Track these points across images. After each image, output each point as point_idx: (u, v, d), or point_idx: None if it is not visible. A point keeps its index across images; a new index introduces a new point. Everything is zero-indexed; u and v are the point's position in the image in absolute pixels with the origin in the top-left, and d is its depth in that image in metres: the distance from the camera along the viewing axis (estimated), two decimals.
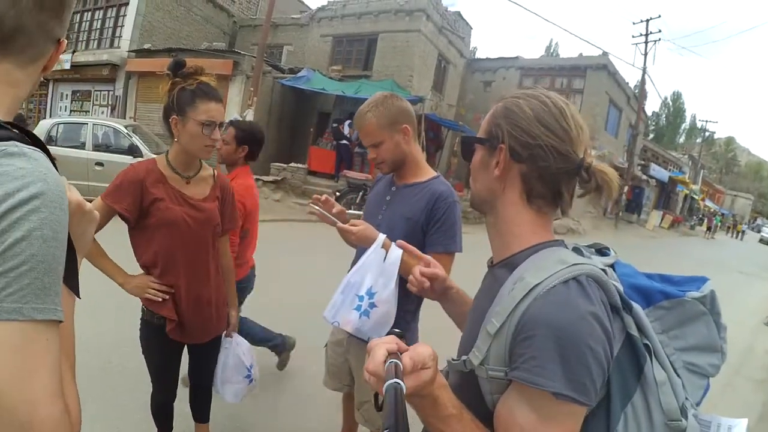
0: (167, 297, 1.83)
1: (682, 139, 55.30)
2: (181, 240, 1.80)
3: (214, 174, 1.99)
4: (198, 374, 2.19)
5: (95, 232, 1.78)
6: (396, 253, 1.67)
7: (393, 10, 15.57)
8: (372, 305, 1.66)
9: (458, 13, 18.46)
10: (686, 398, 0.76)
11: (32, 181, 0.62)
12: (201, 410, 2.32)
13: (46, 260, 0.62)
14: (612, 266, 0.87)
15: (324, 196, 1.81)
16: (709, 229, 30.67)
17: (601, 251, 0.93)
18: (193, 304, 1.89)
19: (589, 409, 0.72)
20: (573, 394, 0.66)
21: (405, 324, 1.79)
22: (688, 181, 32.20)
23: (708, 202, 40.14)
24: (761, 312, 8.09)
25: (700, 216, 35.06)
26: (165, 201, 1.77)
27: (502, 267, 0.86)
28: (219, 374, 2.19)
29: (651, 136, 48.36)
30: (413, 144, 1.83)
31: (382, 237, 1.68)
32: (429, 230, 1.76)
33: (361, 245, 1.75)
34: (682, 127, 56.14)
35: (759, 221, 56.93)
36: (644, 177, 25.19)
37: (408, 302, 1.75)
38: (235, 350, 2.18)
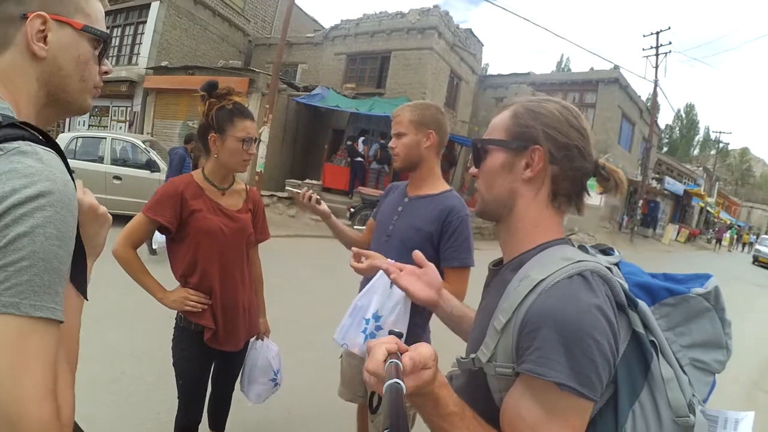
0: (206, 307, 1.88)
1: (696, 152, 54.72)
2: (218, 248, 1.88)
3: (246, 188, 2.09)
4: (223, 381, 2.24)
5: (138, 245, 1.88)
6: None
7: (405, 28, 15.76)
8: (378, 328, 1.67)
9: (469, 31, 18.56)
10: (693, 395, 0.76)
11: (40, 179, 0.62)
12: (219, 418, 2.35)
13: (47, 258, 0.61)
14: (617, 265, 0.88)
15: (310, 192, 1.99)
16: (718, 241, 29.93)
17: (605, 251, 0.93)
18: (229, 311, 1.95)
19: (597, 407, 0.72)
20: (577, 386, 0.66)
21: (415, 337, 1.79)
22: (703, 193, 31.76)
23: (724, 215, 39.54)
24: None
25: (716, 229, 34.47)
26: (203, 212, 1.86)
27: (510, 266, 0.87)
28: (246, 374, 2.24)
29: (665, 149, 47.87)
30: (434, 155, 1.88)
31: (389, 263, 1.72)
32: (443, 244, 1.77)
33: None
34: (696, 140, 55.46)
35: None
36: (659, 189, 24.96)
37: (417, 316, 1.77)
38: (265, 353, 2.23)
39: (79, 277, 0.75)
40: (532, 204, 0.87)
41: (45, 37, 0.74)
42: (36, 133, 0.69)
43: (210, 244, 1.87)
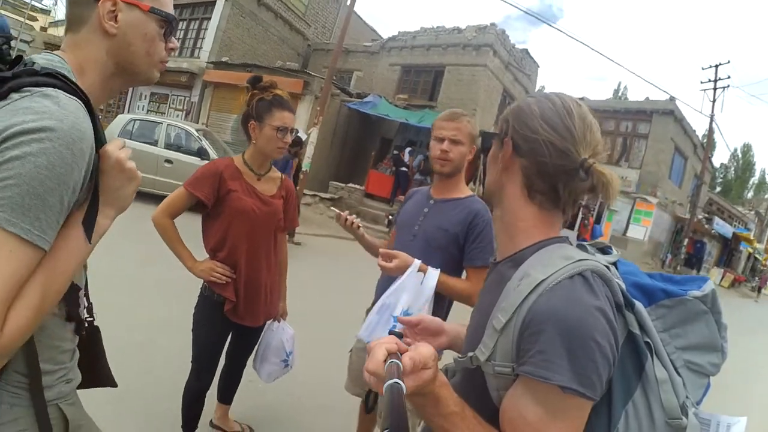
0: (230, 280, 2.01)
1: (750, 194, 52.17)
2: (249, 227, 2.02)
3: (281, 177, 2.24)
4: (238, 356, 2.36)
5: (175, 216, 2.00)
6: (433, 275, 1.75)
7: (461, 43, 15.82)
8: None
9: (525, 51, 18.47)
10: (687, 397, 0.76)
11: (48, 117, 0.69)
12: (228, 392, 2.45)
13: (32, 183, 0.67)
14: (615, 264, 0.87)
15: (351, 217, 2.01)
16: (759, 290, 27.45)
17: (604, 249, 0.93)
18: (251, 288, 2.07)
19: (592, 405, 0.72)
20: (580, 388, 0.67)
21: None
22: (752, 239, 30.17)
23: None
24: None
25: (761, 276, 32.46)
26: (238, 192, 2.00)
27: (507, 263, 0.87)
28: (260, 353, 2.35)
29: (718, 189, 45.85)
30: (465, 166, 1.97)
31: (417, 262, 1.77)
32: (468, 246, 1.86)
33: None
34: (751, 182, 52.53)
35: None
36: (707, 229, 23.98)
37: (438, 311, 1.84)
38: (280, 334, 2.34)
39: (88, 222, 0.81)
40: (512, 197, 0.88)
41: (116, 17, 0.85)
42: (73, 87, 0.79)
43: (242, 223, 2.00)
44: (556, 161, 0.82)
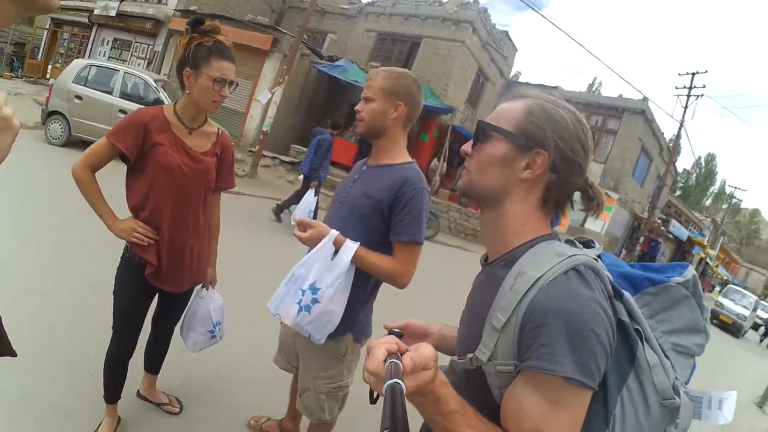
0: (152, 242, 1.86)
1: (708, 202, 54.15)
2: (174, 187, 1.84)
3: (218, 132, 2.02)
4: (163, 322, 2.23)
5: (97, 169, 1.79)
6: (348, 249, 1.62)
7: (441, 16, 15.51)
8: (314, 301, 1.59)
9: (506, 33, 18.27)
10: (676, 378, 0.80)
11: None
12: (154, 360, 2.32)
13: None
14: (599, 257, 0.88)
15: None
16: None
17: (587, 244, 0.93)
18: (175, 251, 1.92)
19: (591, 394, 0.73)
20: (582, 378, 0.68)
21: (353, 314, 1.70)
22: (706, 244, 31.46)
23: (722, 270, 39.25)
24: (755, 390, 7.71)
25: (711, 282, 33.96)
26: (164, 146, 1.81)
27: (499, 263, 0.87)
28: (186, 321, 2.23)
29: (678, 193, 47.51)
30: (400, 127, 1.78)
31: (333, 233, 1.65)
32: (394, 216, 1.70)
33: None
34: (711, 190, 54.75)
35: None
36: (663, 230, 24.68)
37: (359, 292, 1.70)
38: (207, 303, 2.20)
39: None
40: (522, 204, 0.87)
41: None
42: None
43: (166, 180, 1.83)
44: (577, 180, 0.86)
